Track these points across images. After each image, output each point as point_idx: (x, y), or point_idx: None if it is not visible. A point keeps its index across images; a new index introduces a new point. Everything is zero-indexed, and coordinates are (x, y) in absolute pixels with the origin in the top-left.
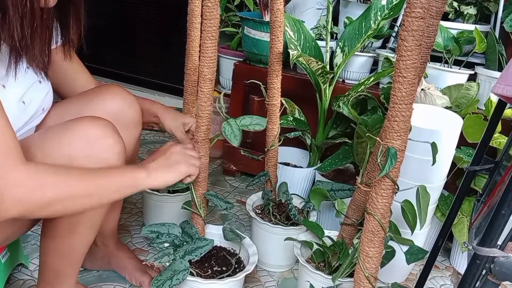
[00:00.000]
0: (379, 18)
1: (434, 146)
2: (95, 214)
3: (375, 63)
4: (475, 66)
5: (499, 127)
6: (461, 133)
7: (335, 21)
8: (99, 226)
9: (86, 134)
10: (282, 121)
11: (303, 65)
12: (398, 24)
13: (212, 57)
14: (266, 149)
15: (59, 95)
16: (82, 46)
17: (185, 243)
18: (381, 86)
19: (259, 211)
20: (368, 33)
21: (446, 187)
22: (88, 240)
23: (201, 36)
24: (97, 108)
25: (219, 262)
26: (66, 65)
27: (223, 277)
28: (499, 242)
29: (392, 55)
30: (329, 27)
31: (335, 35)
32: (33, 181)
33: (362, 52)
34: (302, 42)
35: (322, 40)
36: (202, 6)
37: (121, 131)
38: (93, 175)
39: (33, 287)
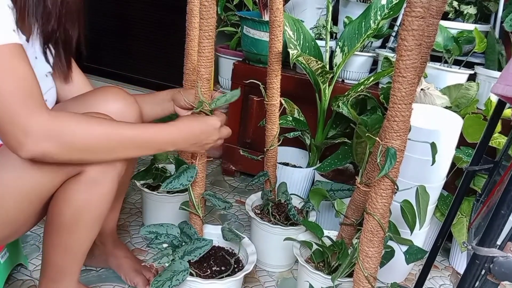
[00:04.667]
0: (378, 17)
1: (433, 146)
2: (99, 207)
3: (375, 63)
4: (475, 66)
5: (498, 127)
6: (461, 133)
7: (335, 21)
8: (101, 223)
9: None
10: (281, 121)
11: (302, 64)
12: (398, 23)
13: (209, 57)
14: (265, 149)
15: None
16: (80, 47)
17: (184, 243)
18: (380, 86)
19: (259, 211)
20: (368, 33)
21: (445, 187)
22: (91, 236)
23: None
24: (96, 109)
25: (218, 262)
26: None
27: (223, 277)
28: (499, 242)
29: (392, 54)
30: (328, 27)
31: (334, 34)
32: (56, 121)
33: (361, 51)
34: (301, 42)
35: (321, 39)
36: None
37: None
38: (118, 126)
39: (32, 287)
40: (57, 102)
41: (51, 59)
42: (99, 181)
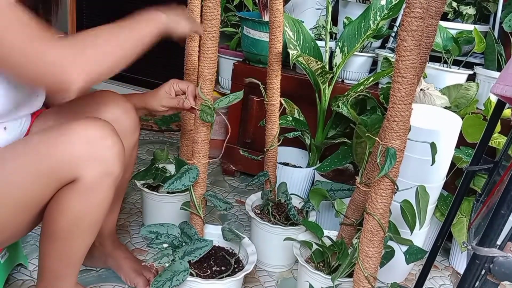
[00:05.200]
0: (378, 18)
1: (433, 146)
2: (95, 215)
3: (374, 63)
4: (474, 66)
5: (498, 127)
6: (460, 133)
7: (334, 21)
8: (99, 229)
9: (85, 134)
10: (281, 121)
11: (302, 65)
12: (397, 24)
13: (212, 58)
14: (265, 149)
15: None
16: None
17: (184, 243)
18: (380, 86)
19: (259, 211)
20: (368, 33)
21: (445, 187)
22: (88, 242)
23: (200, 36)
24: (97, 115)
25: (218, 262)
26: None
27: (223, 277)
28: (498, 242)
29: (391, 55)
30: (328, 27)
31: (334, 35)
32: (75, 48)
33: (361, 52)
34: (301, 42)
35: (321, 40)
36: (202, 7)
37: None
38: (119, 26)
39: (32, 287)
40: None
41: None
42: (95, 188)
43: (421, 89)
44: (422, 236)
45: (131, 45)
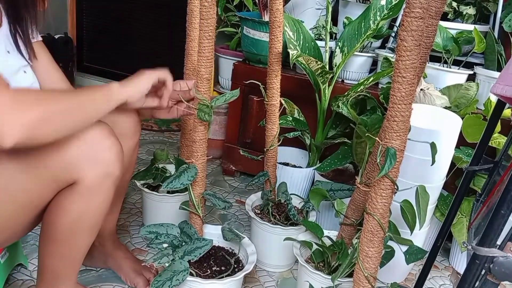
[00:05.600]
0: (378, 18)
1: (433, 146)
2: (95, 216)
3: (374, 63)
4: (474, 66)
5: (498, 127)
6: (460, 133)
7: (334, 21)
8: (98, 229)
9: (83, 136)
10: (281, 121)
11: (302, 65)
12: (397, 24)
13: (209, 57)
14: (265, 149)
15: None
16: (81, 46)
17: (184, 243)
18: (380, 86)
19: (259, 211)
20: (368, 33)
21: (445, 187)
22: (87, 243)
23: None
24: None
25: (218, 262)
26: (39, 59)
27: (223, 277)
28: (498, 242)
29: (391, 55)
30: (328, 27)
31: (334, 35)
32: (19, 102)
33: (361, 52)
34: (301, 42)
35: (321, 40)
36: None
37: None
38: (70, 92)
39: (32, 287)
40: None
41: (25, 54)
42: (94, 190)
43: (421, 89)
44: (422, 236)
45: (84, 115)
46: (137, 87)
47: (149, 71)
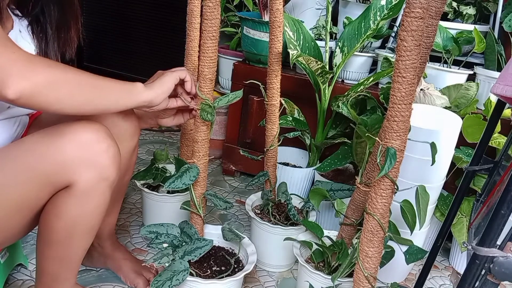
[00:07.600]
0: (378, 18)
1: (433, 146)
2: (92, 220)
3: (374, 63)
4: (474, 66)
5: (498, 127)
6: (460, 133)
7: (334, 21)
8: (96, 231)
9: (78, 138)
10: (281, 121)
11: (302, 65)
12: (397, 24)
13: (212, 57)
14: (265, 149)
15: None
16: (81, 46)
17: (184, 243)
18: (380, 86)
19: (259, 211)
20: (368, 33)
21: (445, 187)
22: (85, 245)
23: (200, 36)
24: (91, 119)
25: (218, 262)
26: None
27: (223, 277)
28: (499, 242)
29: (391, 55)
30: (328, 27)
31: (334, 35)
32: (32, 61)
33: (361, 52)
34: (301, 42)
35: (321, 40)
36: (202, 6)
37: None
38: (89, 73)
39: (32, 287)
40: None
41: (33, 41)
42: (90, 193)
43: (421, 89)
44: (422, 236)
45: (96, 97)
46: (161, 87)
47: (168, 71)
